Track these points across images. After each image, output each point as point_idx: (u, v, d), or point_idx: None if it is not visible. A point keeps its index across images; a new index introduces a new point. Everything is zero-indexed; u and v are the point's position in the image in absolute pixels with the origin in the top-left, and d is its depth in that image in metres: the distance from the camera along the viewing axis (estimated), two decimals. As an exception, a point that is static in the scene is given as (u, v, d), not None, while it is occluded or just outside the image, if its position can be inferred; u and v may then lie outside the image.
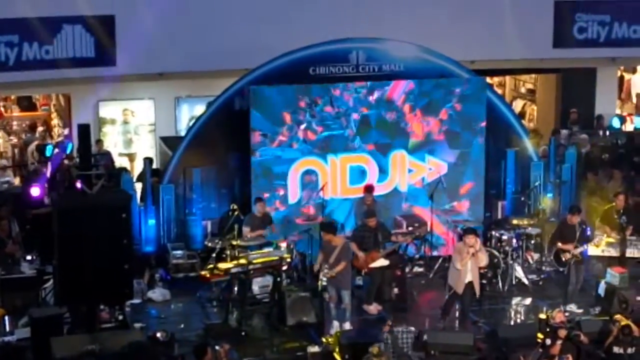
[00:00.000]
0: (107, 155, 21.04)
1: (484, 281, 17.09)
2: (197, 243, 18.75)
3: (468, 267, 15.87)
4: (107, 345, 13.97)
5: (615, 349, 14.57)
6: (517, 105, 26.03)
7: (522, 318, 17.04)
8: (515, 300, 17.59)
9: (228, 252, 16.62)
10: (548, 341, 14.08)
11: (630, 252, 17.78)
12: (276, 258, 16.55)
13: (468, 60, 20.90)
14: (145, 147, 22.43)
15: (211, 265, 16.38)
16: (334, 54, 18.88)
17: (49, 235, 14.53)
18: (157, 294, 17.41)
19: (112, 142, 22.24)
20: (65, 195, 17.25)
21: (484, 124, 19.01)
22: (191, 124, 20.39)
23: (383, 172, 18.76)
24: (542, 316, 15.04)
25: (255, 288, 16.83)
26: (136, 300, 16.62)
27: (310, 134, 18.45)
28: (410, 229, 18.31)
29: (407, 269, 17.85)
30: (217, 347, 13.62)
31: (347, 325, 15.99)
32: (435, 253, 18.86)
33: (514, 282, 17.89)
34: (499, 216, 19.61)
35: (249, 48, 19.90)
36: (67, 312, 15.19)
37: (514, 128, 19.93)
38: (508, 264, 17.81)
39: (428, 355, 14.86)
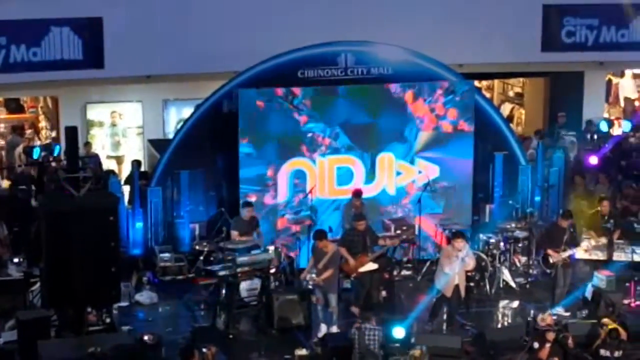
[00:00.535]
0: (95, 157, 20.95)
1: (472, 284, 17.12)
2: (184, 246, 18.70)
3: (456, 270, 15.89)
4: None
5: (603, 352, 14.62)
6: (505, 109, 26.03)
7: (510, 321, 17.07)
8: (503, 303, 17.60)
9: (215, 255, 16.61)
10: (536, 344, 14.12)
11: (617, 256, 17.78)
12: (264, 260, 16.55)
13: (456, 63, 20.90)
14: (133, 150, 22.37)
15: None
16: (323, 57, 18.86)
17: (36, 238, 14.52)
18: (145, 296, 17.36)
19: (100, 144, 22.15)
20: (53, 197, 17.20)
21: (472, 127, 19.04)
22: (179, 126, 20.33)
23: (370, 174, 18.75)
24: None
25: (243, 291, 16.79)
26: (124, 303, 16.52)
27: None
28: (398, 232, 18.31)
29: (395, 272, 17.88)
30: (204, 350, 13.61)
31: (334, 329, 15.98)
32: (423, 255, 18.86)
33: (501, 285, 17.90)
34: (487, 220, 19.64)
35: (237, 51, 19.88)
36: (55, 315, 15.12)
37: (502, 132, 19.96)
38: (496, 267, 17.83)
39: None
